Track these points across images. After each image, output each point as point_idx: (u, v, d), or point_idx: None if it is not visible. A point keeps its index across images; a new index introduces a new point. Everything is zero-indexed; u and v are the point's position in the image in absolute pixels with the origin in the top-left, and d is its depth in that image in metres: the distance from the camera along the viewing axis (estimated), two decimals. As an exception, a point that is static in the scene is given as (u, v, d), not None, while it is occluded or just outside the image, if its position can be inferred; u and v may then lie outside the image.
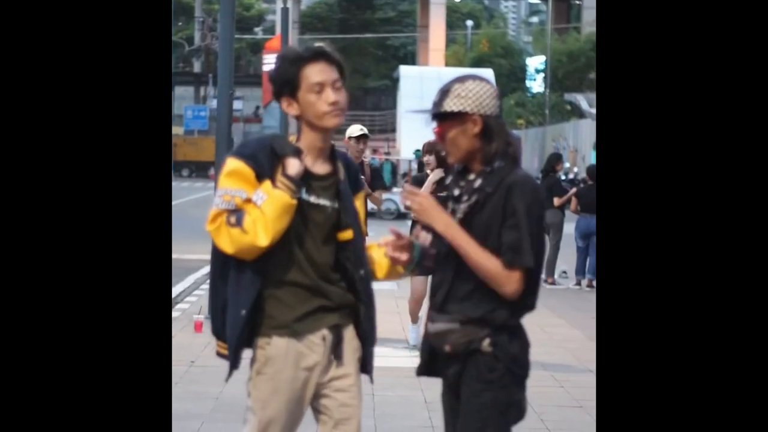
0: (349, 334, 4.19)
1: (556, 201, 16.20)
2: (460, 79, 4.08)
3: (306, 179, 4.08)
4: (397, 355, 10.26)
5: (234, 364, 4.16)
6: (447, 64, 59.91)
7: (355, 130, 10.71)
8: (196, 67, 73.98)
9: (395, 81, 46.82)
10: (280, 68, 4.12)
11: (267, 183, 4.04)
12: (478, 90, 4.04)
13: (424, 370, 4.21)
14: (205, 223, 4.07)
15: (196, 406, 7.79)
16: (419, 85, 43.80)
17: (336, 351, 4.16)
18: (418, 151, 11.66)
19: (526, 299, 4.04)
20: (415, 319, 10.60)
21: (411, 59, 69.79)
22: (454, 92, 4.04)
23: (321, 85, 4.06)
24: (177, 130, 59.65)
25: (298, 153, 4.07)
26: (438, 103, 4.07)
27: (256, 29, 77.36)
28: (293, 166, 4.05)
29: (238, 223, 4.01)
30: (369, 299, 4.19)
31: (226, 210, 4.03)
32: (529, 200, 3.97)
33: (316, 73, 4.07)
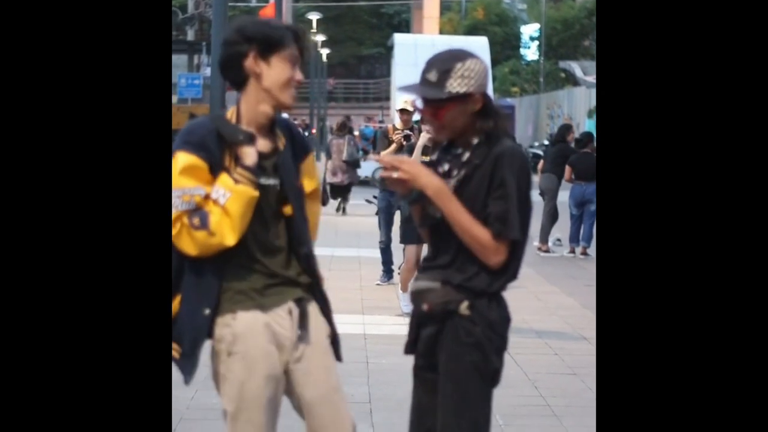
0: (314, 310, 4.06)
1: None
2: (460, 58, 3.97)
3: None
4: (389, 322, 10.27)
5: (195, 364, 3.96)
6: (441, 32, 59.65)
7: (399, 102, 11.92)
8: (190, 35, 73.66)
9: (389, 49, 46.64)
10: (270, 24, 3.97)
11: (225, 177, 3.86)
12: (479, 69, 3.98)
13: (411, 348, 4.19)
14: None
15: (189, 374, 7.77)
16: (413, 52, 43.60)
17: (303, 326, 4.01)
18: (416, 121, 11.82)
19: (509, 269, 4.00)
20: (405, 287, 10.64)
21: (405, 27, 69.53)
22: (457, 72, 3.94)
23: (296, 59, 3.96)
24: (170, 98, 59.57)
25: (251, 140, 3.90)
26: (438, 83, 3.94)
27: (250, -3, 77.04)
28: (250, 155, 3.89)
29: (203, 225, 3.82)
30: (315, 277, 4.07)
31: (185, 211, 3.83)
32: (518, 171, 3.92)
33: (295, 45, 3.97)
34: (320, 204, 4.23)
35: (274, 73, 3.91)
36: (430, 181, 3.95)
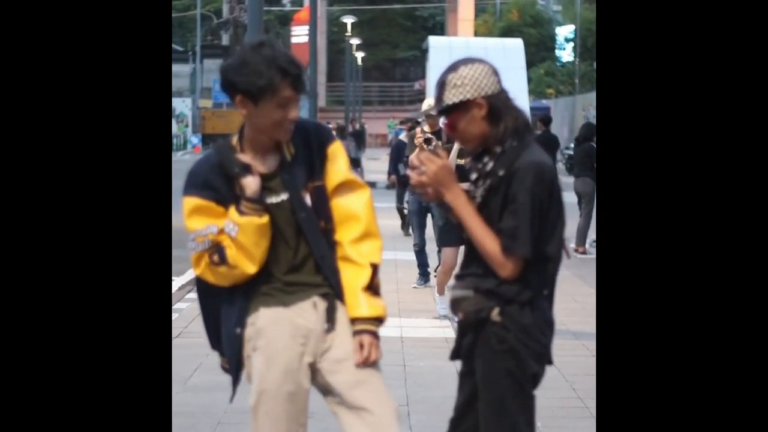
0: (341, 306, 4.03)
1: None
2: (453, 68, 4.00)
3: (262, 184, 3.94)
4: (426, 325, 10.26)
5: (237, 380, 4.10)
6: (476, 34, 59.58)
7: (424, 106, 12.05)
8: (225, 39, 73.95)
9: (424, 52, 46.54)
10: (256, 71, 3.83)
11: (232, 210, 3.92)
12: (472, 74, 3.97)
13: (456, 354, 4.17)
14: (193, 267, 4.00)
15: (227, 378, 7.77)
16: (448, 55, 43.47)
17: (330, 319, 4.00)
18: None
19: (533, 280, 3.98)
20: (441, 290, 10.63)
21: (440, 29, 69.48)
22: (450, 83, 3.97)
23: (288, 100, 3.88)
24: (206, 103, 59.74)
25: (247, 170, 3.92)
26: (438, 97, 4.00)
27: (285, 1, 77.31)
28: (249, 186, 3.91)
29: (222, 260, 3.91)
30: (335, 284, 4.02)
31: (204, 251, 3.93)
32: (531, 186, 3.89)
33: (286, 86, 3.87)
34: (363, 190, 4.08)
35: (263, 115, 3.88)
36: (448, 186, 3.96)
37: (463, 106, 3.96)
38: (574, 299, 11.67)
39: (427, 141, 11.43)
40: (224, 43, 72.78)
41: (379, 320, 4.02)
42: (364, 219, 4.03)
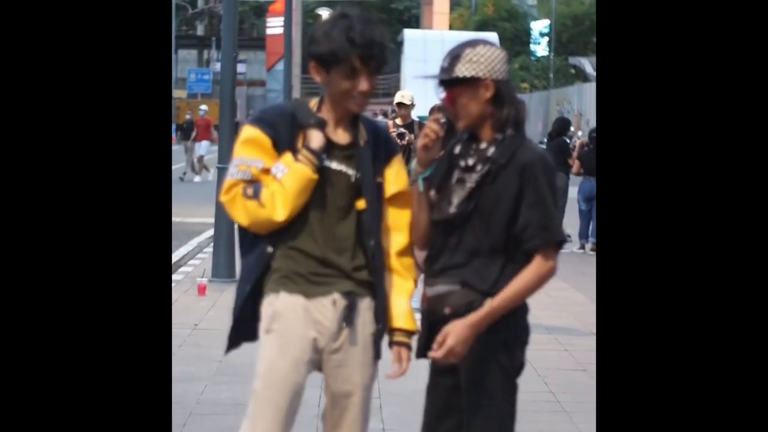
0: (364, 305, 4.02)
1: (572, 163, 16.26)
2: (471, 44, 3.99)
3: (328, 148, 3.94)
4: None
5: (235, 338, 4.02)
6: (451, 28, 59.67)
7: (397, 97, 11.80)
8: (200, 30, 73.76)
9: (399, 44, 46.63)
10: (325, 39, 3.90)
11: (287, 155, 3.90)
12: (489, 55, 3.96)
13: (423, 351, 4.15)
14: (220, 193, 3.94)
15: (199, 369, 7.78)
16: (423, 48, 43.66)
17: (347, 319, 3.99)
18: (422, 117, 11.88)
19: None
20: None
21: (415, 22, 69.50)
22: (465, 57, 3.95)
23: (356, 71, 3.91)
24: (180, 93, 59.55)
25: (321, 124, 3.94)
26: (448, 68, 3.97)
27: (260, -8, 77.05)
28: (316, 138, 3.91)
29: (255, 195, 3.88)
30: (378, 274, 4.02)
31: (241, 180, 3.90)
32: (546, 177, 3.94)
33: (354, 57, 3.90)
34: (411, 208, 4.14)
35: (333, 84, 3.93)
36: (471, 330, 3.92)
37: (471, 82, 3.95)
38: (547, 294, 11.68)
39: (400, 136, 11.39)
40: (199, 34, 72.60)
41: (414, 335, 4.15)
42: (410, 234, 4.12)
